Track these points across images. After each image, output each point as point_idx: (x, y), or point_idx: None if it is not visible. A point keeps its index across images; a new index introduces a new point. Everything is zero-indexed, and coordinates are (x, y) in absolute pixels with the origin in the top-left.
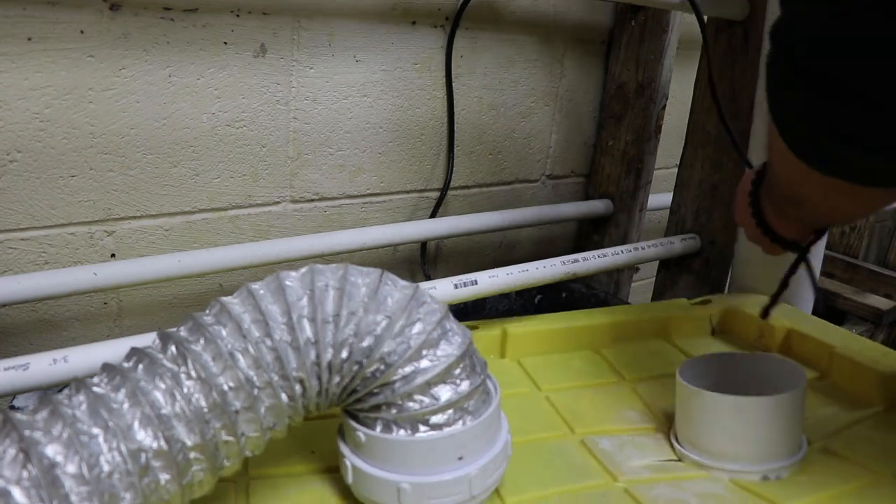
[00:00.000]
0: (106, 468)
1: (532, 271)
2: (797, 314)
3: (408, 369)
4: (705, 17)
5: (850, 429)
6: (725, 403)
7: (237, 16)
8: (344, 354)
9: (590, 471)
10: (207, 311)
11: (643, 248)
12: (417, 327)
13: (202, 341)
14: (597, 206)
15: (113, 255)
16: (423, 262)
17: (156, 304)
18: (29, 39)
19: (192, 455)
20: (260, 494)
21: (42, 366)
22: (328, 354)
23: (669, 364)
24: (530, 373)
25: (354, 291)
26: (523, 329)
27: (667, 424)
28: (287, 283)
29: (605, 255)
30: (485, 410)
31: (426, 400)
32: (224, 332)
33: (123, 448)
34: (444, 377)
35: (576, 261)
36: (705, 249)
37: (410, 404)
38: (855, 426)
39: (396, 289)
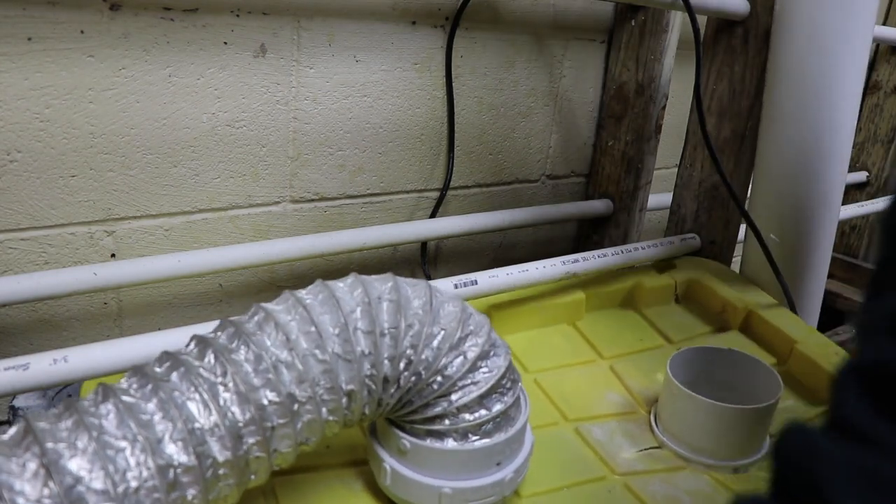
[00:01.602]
0: (133, 484)
1: (532, 271)
2: (762, 297)
3: (466, 381)
4: (706, 17)
5: None
6: (711, 408)
7: (237, 16)
8: (402, 367)
9: (590, 463)
10: (248, 317)
11: (643, 248)
12: (472, 340)
13: (243, 351)
14: (597, 206)
15: (113, 255)
16: (423, 262)
17: (156, 304)
18: (29, 39)
19: (222, 471)
20: (287, 495)
21: (42, 366)
22: (385, 367)
23: (640, 340)
24: (515, 352)
25: (409, 304)
26: (507, 307)
27: (645, 407)
28: (338, 293)
29: (605, 255)
30: (520, 417)
31: (482, 412)
32: (268, 343)
33: (151, 463)
34: (496, 388)
35: (576, 261)
36: (705, 249)
37: (466, 415)
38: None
39: (447, 300)
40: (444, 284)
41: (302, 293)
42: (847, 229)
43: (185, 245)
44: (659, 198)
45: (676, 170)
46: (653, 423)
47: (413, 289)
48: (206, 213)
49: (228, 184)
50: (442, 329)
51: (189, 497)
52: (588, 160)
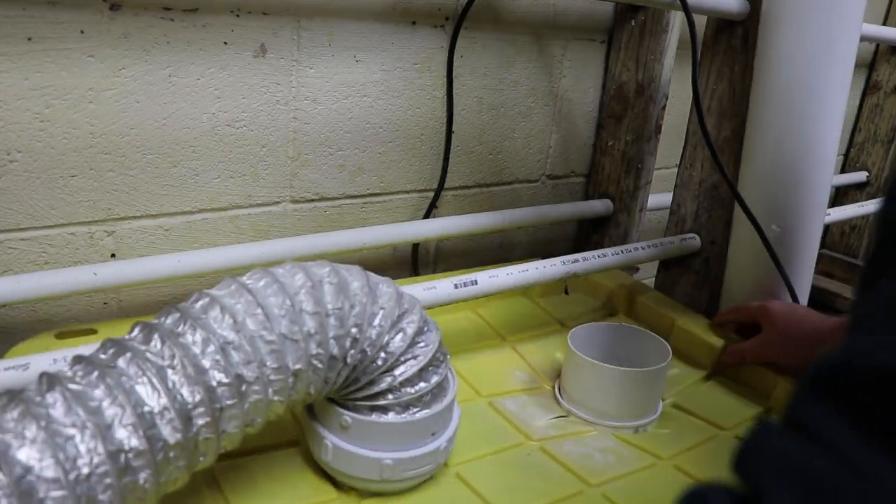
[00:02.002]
0: (84, 470)
1: (532, 271)
2: (640, 286)
3: (407, 356)
4: (705, 17)
5: (691, 387)
6: (610, 373)
7: (237, 16)
8: (348, 345)
9: (507, 432)
10: (192, 303)
11: (643, 248)
12: (409, 317)
13: (190, 335)
14: (597, 206)
15: (113, 255)
16: (414, 262)
17: (156, 304)
18: (29, 39)
19: (173, 454)
20: (229, 481)
21: (42, 366)
22: (332, 346)
23: (535, 326)
24: None
25: (349, 286)
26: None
27: (549, 382)
28: (280, 278)
29: (605, 255)
30: (451, 388)
31: (421, 384)
32: (215, 326)
33: (102, 449)
34: (432, 362)
35: (576, 261)
36: (705, 249)
37: (408, 389)
38: (694, 385)
39: (381, 282)
40: (444, 284)
41: (244, 279)
42: (847, 229)
43: (185, 245)
44: (659, 198)
45: (676, 170)
46: (557, 395)
47: (349, 273)
48: (206, 213)
49: (228, 184)
50: (381, 308)
51: (141, 481)
52: (588, 160)
